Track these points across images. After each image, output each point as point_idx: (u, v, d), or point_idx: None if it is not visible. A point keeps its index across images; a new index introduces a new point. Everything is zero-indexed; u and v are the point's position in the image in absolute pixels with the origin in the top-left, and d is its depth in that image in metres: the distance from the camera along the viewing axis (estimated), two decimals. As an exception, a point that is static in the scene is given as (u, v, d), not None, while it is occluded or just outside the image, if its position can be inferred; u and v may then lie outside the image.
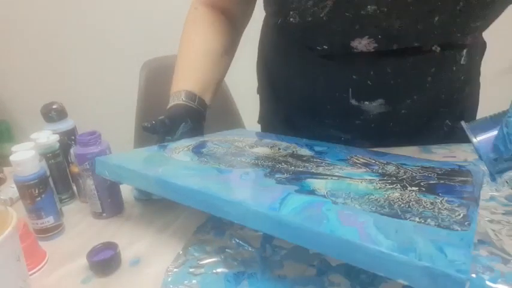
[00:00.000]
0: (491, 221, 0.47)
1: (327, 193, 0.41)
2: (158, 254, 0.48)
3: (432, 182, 0.46)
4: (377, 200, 0.40)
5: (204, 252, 0.46)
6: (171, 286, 0.41)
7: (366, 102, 0.63)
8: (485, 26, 0.59)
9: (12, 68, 1.85)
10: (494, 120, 0.37)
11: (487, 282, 0.38)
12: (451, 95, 0.67)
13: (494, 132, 0.36)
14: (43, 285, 0.45)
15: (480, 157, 0.38)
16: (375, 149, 0.61)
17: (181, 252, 0.47)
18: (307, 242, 0.35)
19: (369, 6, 0.52)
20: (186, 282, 0.42)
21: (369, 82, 0.61)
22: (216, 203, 0.41)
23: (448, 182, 0.46)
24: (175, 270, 0.44)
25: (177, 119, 0.60)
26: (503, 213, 0.48)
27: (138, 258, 0.47)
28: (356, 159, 0.54)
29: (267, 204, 0.38)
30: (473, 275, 0.39)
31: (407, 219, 0.36)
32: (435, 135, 0.70)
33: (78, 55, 1.79)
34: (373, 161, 0.53)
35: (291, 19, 0.58)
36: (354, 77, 0.61)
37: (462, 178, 0.47)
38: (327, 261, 0.43)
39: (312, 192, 0.42)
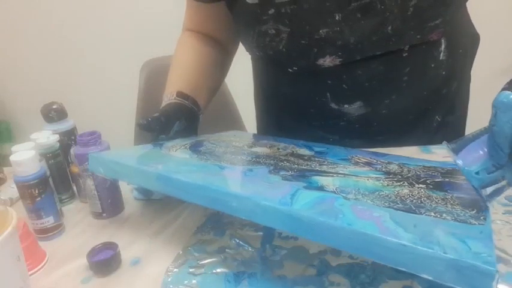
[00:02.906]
0: (491, 221, 0.46)
1: (336, 189, 0.40)
2: (158, 254, 0.48)
3: (438, 180, 0.46)
4: (388, 196, 0.39)
5: (204, 252, 0.46)
6: (171, 286, 0.41)
7: (346, 105, 0.64)
8: (450, 21, 0.59)
9: (12, 68, 1.85)
10: (474, 136, 0.38)
11: (487, 282, 0.38)
12: (436, 91, 0.66)
13: (474, 147, 0.37)
14: (43, 285, 0.45)
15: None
16: (374, 150, 0.61)
17: (181, 252, 0.47)
18: (322, 236, 0.34)
19: (321, 30, 0.56)
20: (186, 282, 0.42)
21: (344, 86, 0.62)
22: (223, 199, 0.39)
23: (454, 180, 0.46)
24: (175, 270, 0.44)
25: (171, 117, 0.60)
26: (503, 213, 0.48)
27: (138, 258, 0.47)
28: (357, 158, 0.54)
29: (277, 200, 0.37)
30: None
31: (422, 214, 0.35)
32: (426, 131, 0.70)
33: (78, 55, 1.79)
34: (375, 161, 0.53)
35: (257, 53, 0.65)
36: (329, 82, 0.63)
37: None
38: (327, 261, 0.43)
39: (320, 188, 0.41)
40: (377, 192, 0.40)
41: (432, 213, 0.35)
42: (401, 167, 0.50)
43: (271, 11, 0.56)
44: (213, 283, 0.41)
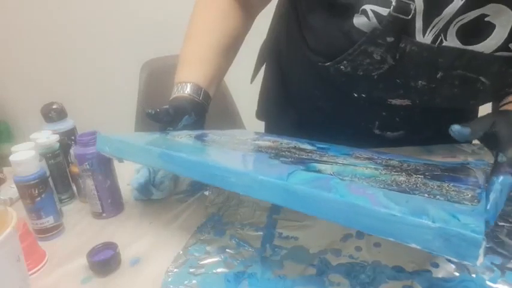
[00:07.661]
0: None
1: (333, 173, 0.41)
2: (158, 254, 0.48)
3: (436, 173, 0.46)
4: (384, 180, 0.40)
5: (204, 252, 0.46)
6: (171, 286, 0.41)
7: (389, 133, 0.65)
8: None
9: (12, 68, 1.85)
10: None
11: (487, 282, 0.38)
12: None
13: None
14: (43, 285, 0.45)
15: None
16: (376, 149, 0.61)
17: (181, 252, 0.47)
18: (315, 209, 0.34)
19: (420, 81, 0.54)
20: (186, 282, 0.42)
21: (397, 119, 0.63)
22: (221, 174, 0.40)
23: (453, 175, 0.46)
24: (175, 270, 0.44)
25: (180, 111, 0.59)
26: (503, 213, 0.48)
27: (138, 258, 0.47)
28: (359, 154, 0.54)
29: (273, 176, 0.38)
30: (473, 275, 0.39)
31: (416, 194, 0.36)
32: (433, 138, 0.72)
33: (78, 55, 1.79)
34: (376, 157, 0.53)
35: (342, 67, 0.57)
36: (384, 113, 0.63)
37: (465, 173, 0.47)
38: (327, 261, 0.43)
39: (318, 171, 0.41)
40: (373, 178, 0.40)
41: (426, 195, 0.36)
42: (402, 163, 0.50)
43: (390, 39, 0.50)
44: (213, 283, 0.41)
